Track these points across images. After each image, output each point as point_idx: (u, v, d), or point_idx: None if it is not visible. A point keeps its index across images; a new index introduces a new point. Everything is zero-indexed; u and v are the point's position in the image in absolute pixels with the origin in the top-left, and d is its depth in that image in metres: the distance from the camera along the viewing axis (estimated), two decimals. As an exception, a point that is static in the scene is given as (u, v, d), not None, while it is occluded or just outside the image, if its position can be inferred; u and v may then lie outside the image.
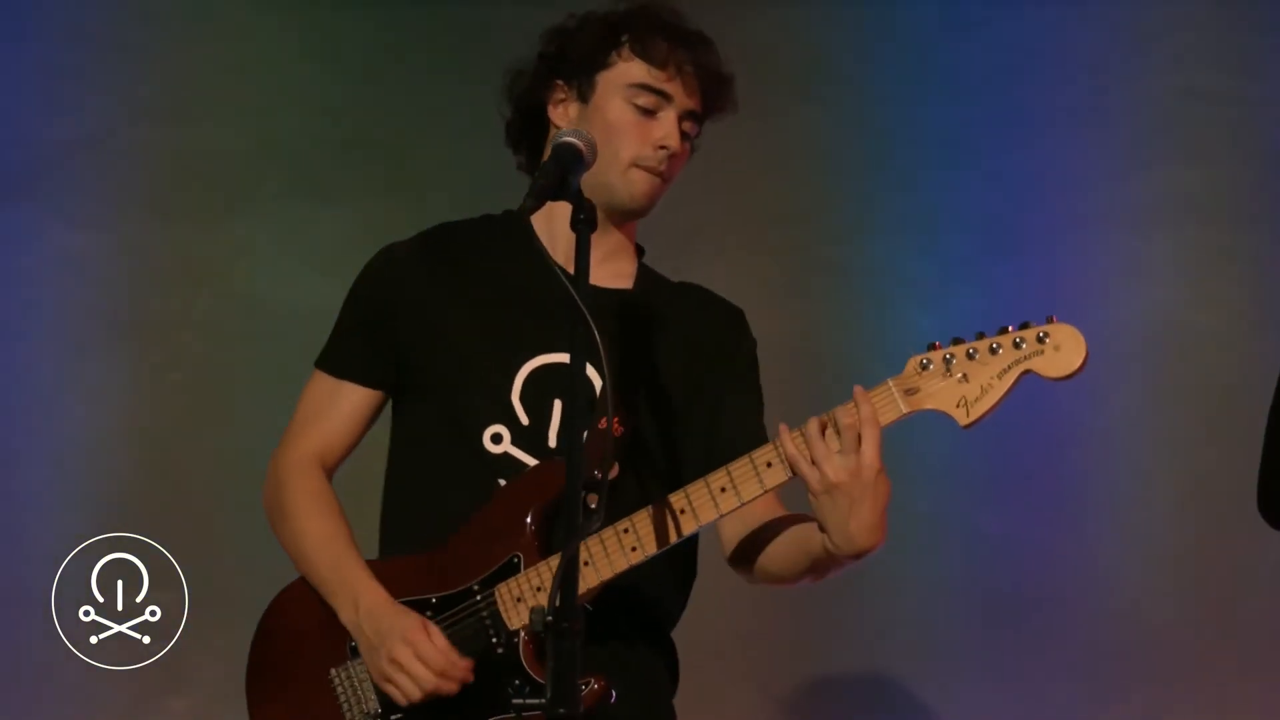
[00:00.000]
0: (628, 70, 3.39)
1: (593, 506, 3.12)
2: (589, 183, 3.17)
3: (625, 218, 3.45)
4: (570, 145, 3.05)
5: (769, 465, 3.17)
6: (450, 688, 3.23)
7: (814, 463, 3.11)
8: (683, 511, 3.19)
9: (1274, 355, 5.07)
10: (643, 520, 3.22)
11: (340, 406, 3.48)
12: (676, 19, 3.45)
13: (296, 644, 3.39)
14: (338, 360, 3.50)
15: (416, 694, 3.24)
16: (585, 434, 3.23)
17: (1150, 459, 5.31)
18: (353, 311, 3.52)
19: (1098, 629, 5.27)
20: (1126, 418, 5.30)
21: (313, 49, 5.43)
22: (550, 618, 2.75)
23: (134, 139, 5.34)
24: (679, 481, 3.27)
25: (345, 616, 3.32)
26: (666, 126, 3.38)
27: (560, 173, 3.02)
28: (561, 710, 2.72)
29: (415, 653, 3.23)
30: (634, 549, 3.21)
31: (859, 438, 3.09)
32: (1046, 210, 5.34)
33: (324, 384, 3.50)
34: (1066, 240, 5.33)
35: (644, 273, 3.52)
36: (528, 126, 3.50)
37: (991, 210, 5.34)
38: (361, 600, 3.30)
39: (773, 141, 5.41)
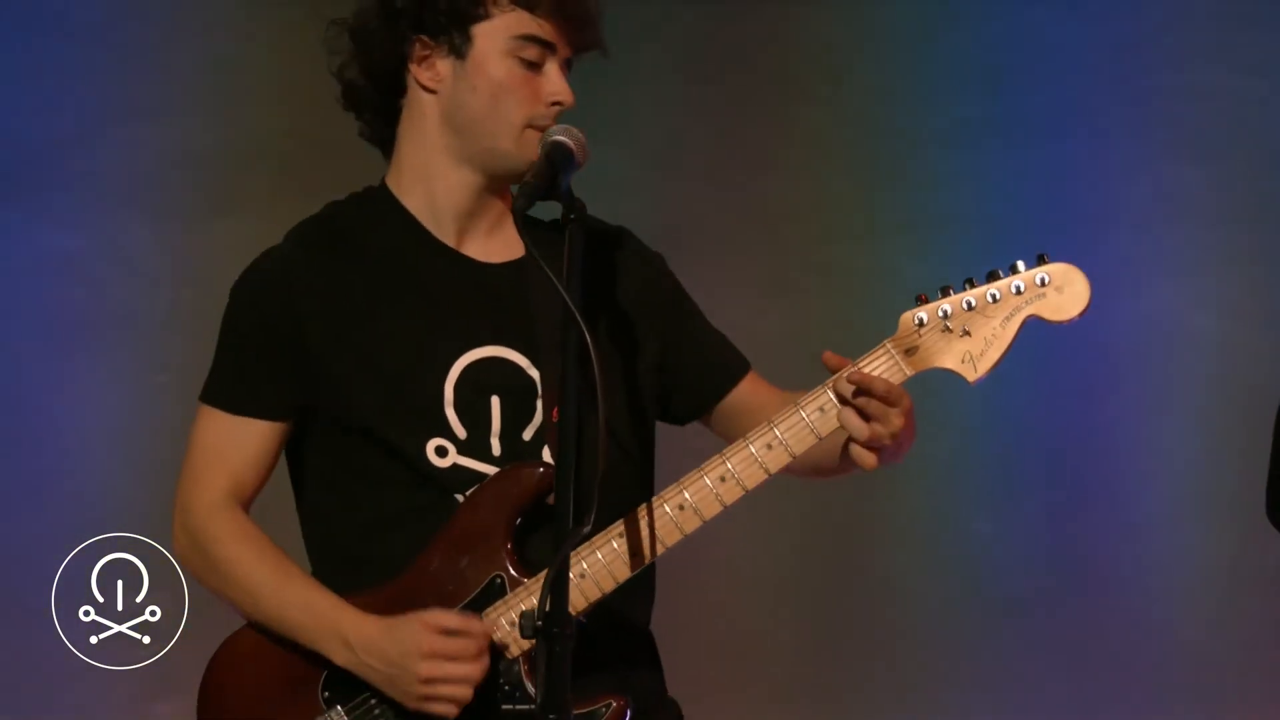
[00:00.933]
0: (509, 22, 3.09)
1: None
2: (473, 149, 3.07)
3: (517, 181, 3.11)
4: (562, 145, 2.97)
5: (769, 448, 3.00)
6: (487, 661, 2.98)
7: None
8: (681, 508, 3.00)
9: (1274, 355, 5.09)
10: (639, 523, 3.00)
11: (243, 445, 3.14)
12: None
13: (256, 704, 3.10)
14: (231, 395, 3.14)
15: (468, 693, 2.98)
16: (538, 429, 3.10)
17: (1150, 459, 5.30)
18: (238, 335, 3.16)
19: (1097, 630, 5.26)
20: (1126, 418, 5.29)
21: (301, 47, 5.41)
22: (540, 622, 2.66)
23: (120, 138, 5.34)
24: (652, 462, 3.16)
25: (339, 659, 3.03)
26: (555, 80, 3.10)
27: (553, 173, 2.92)
28: (552, 716, 2.65)
29: (443, 657, 2.97)
30: (634, 555, 3.00)
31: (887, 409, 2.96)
32: (1046, 210, 5.33)
33: (219, 422, 3.15)
34: (1066, 240, 5.30)
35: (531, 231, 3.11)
36: (380, 88, 3.18)
37: (990, 210, 5.33)
38: (351, 636, 3.02)
39: (771, 141, 5.40)
